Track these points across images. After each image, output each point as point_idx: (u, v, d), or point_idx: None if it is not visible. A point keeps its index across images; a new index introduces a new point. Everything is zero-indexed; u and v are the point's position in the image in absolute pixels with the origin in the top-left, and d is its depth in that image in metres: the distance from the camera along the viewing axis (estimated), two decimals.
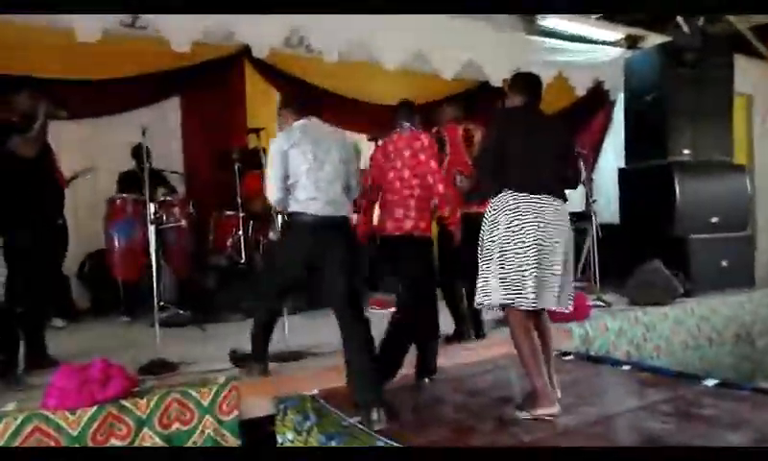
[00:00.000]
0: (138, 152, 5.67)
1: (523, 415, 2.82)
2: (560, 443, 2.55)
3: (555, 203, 2.88)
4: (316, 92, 7.91)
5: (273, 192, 3.20)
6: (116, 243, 5.03)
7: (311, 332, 4.46)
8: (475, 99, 9.14)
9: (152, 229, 3.46)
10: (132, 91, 6.41)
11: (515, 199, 2.82)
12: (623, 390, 3.37)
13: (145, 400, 2.88)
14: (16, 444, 2.59)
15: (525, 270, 2.77)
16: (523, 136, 2.91)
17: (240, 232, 5.61)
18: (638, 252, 5.90)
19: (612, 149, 8.73)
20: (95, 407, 2.76)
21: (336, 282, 3.08)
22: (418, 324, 3.43)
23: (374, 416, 2.80)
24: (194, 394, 3.00)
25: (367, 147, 6.05)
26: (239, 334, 4.59)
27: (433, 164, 3.52)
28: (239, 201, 5.61)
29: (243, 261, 5.59)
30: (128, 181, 5.40)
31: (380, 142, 3.68)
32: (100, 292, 5.59)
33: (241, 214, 5.64)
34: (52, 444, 2.66)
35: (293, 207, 3.18)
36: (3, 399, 2.91)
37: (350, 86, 8.22)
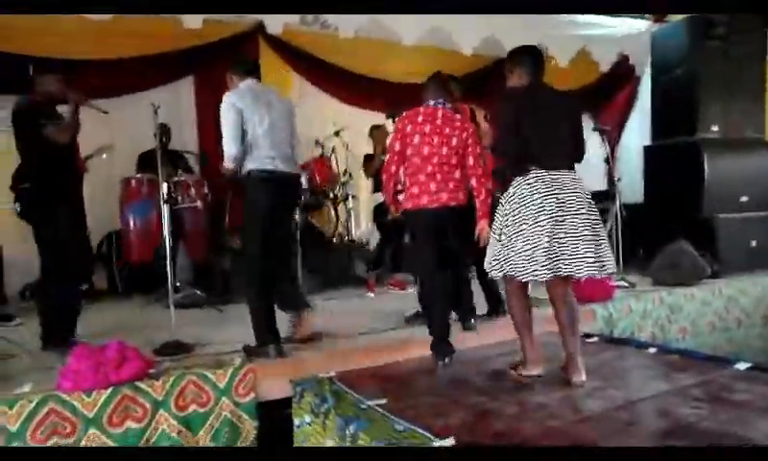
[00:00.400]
0: (156, 131, 5.65)
1: (513, 374, 3.13)
2: (586, 428, 2.45)
3: (570, 175, 2.94)
4: (331, 70, 7.80)
5: (230, 148, 3.30)
6: (132, 224, 5.00)
7: (327, 314, 4.40)
8: (493, 76, 9.06)
9: (165, 208, 3.40)
10: (147, 71, 6.35)
11: (534, 176, 2.88)
12: (650, 373, 3.25)
13: (161, 381, 2.85)
14: (32, 426, 2.57)
15: (537, 243, 2.81)
16: (536, 114, 2.93)
17: None
18: (664, 231, 5.74)
19: (637, 126, 8.50)
20: (111, 389, 2.72)
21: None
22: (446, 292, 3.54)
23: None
24: (210, 376, 2.96)
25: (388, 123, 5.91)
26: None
27: (466, 136, 3.54)
28: None
29: None
30: (147, 162, 5.36)
31: (405, 114, 3.61)
32: (117, 272, 5.58)
33: None
34: (68, 426, 2.63)
35: (251, 166, 3.30)
36: (18, 380, 2.89)
37: (366, 64, 8.08)
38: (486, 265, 3.06)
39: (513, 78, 3.08)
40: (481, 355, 3.58)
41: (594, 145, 8.85)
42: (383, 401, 2.76)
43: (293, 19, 7.04)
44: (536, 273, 2.82)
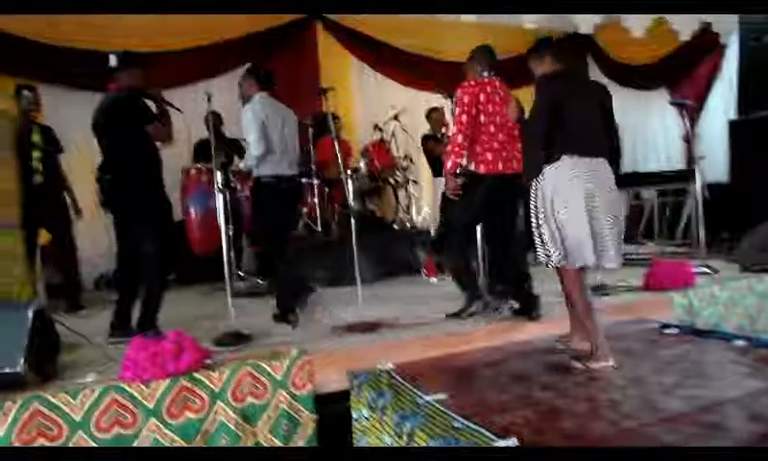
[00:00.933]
0: (209, 118, 5.69)
1: (581, 367, 2.94)
2: (665, 430, 2.22)
3: (604, 163, 2.97)
4: (390, 52, 7.66)
5: (258, 150, 3.78)
6: (193, 214, 5.06)
7: (385, 303, 4.30)
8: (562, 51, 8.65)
9: (219, 197, 3.38)
10: (205, 61, 6.42)
11: (573, 162, 2.89)
12: (738, 369, 2.95)
13: (218, 373, 2.82)
14: (96, 415, 2.60)
15: (584, 230, 2.86)
16: (574, 100, 2.96)
17: (315, 200, 5.51)
18: (752, 213, 5.27)
19: (720, 99, 7.88)
20: (169, 380, 2.72)
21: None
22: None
23: None
24: (266, 367, 2.92)
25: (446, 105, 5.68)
26: (315, 304, 4.56)
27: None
28: (313, 167, 5.50)
29: (318, 229, 5.50)
30: (203, 151, 5.41)
31: (473, 83, 3.69)
32: (180, 261, 5.67)
33: (315, 181, 5.54)
34: (129, 416, 2.65)
35: (265, 170, 3.68)
36: (82, 370, 2.94)
37: (426, 45, 7.89)
38: (541, 257, 3.04)
39: (543, 65, 3.10)
40: (545, 347, 3.37)
41: (671, 121, 8.39)
42: (442, 397, 2.63)
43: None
44: (588, 258, 2.88)
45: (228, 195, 5.11)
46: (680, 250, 6.21)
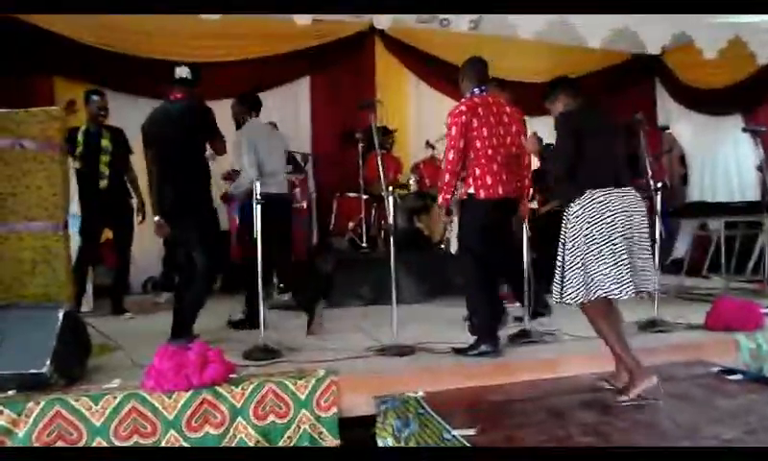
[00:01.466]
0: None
1: (626, 399, 2.83)
2: None
3: (632, 193, 2.98)
4: (448, 68, 7.53)
5: (252, 174, 3.87)
6: (236, 223, 5.07)
7: (425, 325, 4.14)
8: (625, 74, 8.28)
9: (258, 209, 3.33)
10: (263, 72, 6.48)
11: (602, 194, 2.88)
12: None
13: (240, 388, 2.75)
14: (115, 423, 2.57)
15: (618, 260, 2.83)
16: (593, 135, 2.98)
17: (362, 215, 5.43)
18: None
19: None
20: (191, 392, 2.66)
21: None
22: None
23: None
24: (290, 385, 2.81)
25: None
26: (352, 320, 4.46)
27: (516, 129, 3.64)
28: (361, 182, 5.42)
29: (364, 245, 5.40)
30: None
31: (464, 106, 3.53)
32: (227, 271, 5.70)
33: (363, 196, 5.45)
34: (148, 426, 2.60)
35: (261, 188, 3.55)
36: (109, 374, 2.93)
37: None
38: (570, 296, 2.92)
39: (558, 105, 3.15)
40: (590, 385, 3.12)
41: (745, 150, 7.87)
42: (471, 432, 2.46)
43: (409, 17, 6.88)
44: (622, 290, 2.82)
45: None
46: (749, 287, 5.76)
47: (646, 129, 4.32)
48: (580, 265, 2.88)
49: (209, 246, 3.71)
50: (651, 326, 3.96)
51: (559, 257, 2.99)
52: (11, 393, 2.59)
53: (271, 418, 2.77)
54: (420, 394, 2.91)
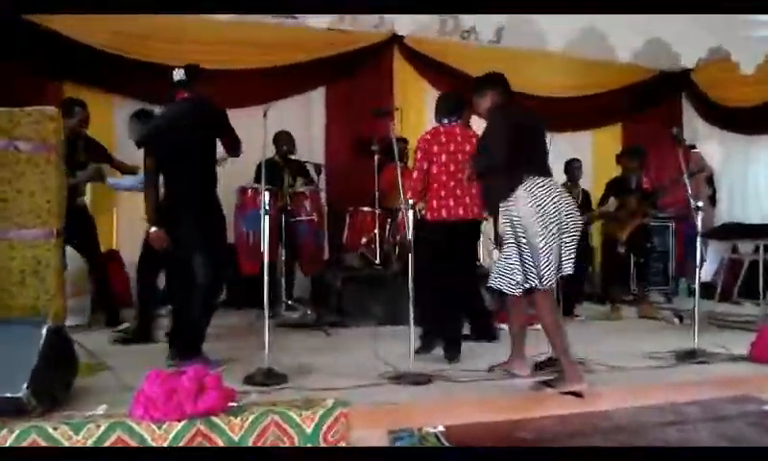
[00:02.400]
0: (278, 139, 5.51)
1: (551, 391, 2.97)
2: None
3: (555, 182, 3.17)
4: (469, 82, 7.28)
5: None
6: (244, 235, 4.82)
7: (441, 350, 3.83)
8: (652, 91, 7.98)
9: (266, 220, 3.06)
10: (277, 81, 6.26)
11: (539, 186, 3.02)
12: None
13: (239, 419, 2.46)
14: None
15: (552, 248, 2.98)
16: (524, 127, 3.14)
17: (376, 231, 5.16)
18: None
19: None
20: (184, 422, 2.39)
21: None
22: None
23: None
24: (295, 417, 2.53)
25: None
26: (364, 341, 4.16)
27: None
28: (376, 195, 5.16)
29: (377, 262, 5.13)
30: (266, 171, 5.20)
31: (429, 135, 3.85)
32: (234, 284, 5.45)
33: (378, 210, 5.19)
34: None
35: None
36: (97, 397, 2.66)
37: (508, 76, 7.47)
38: (508, 286, 3.08)
39: (486, 100, 3.29)
40: (629, 423, 2.80)
41: None
42: None
43: (430, 27, 6.66)
44: (552, 277, 2.99)
45: (283, 219, 4.90)
46: None
47: (684, 143, 4.03)
48: (530, 255, 3.01)
49: (212, 255, 3.41)
50: (690, 356, 3.62)
51: (504, 251, 3.13)
52: None
53: None
54: (440, 429, 2.61)
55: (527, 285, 3.03)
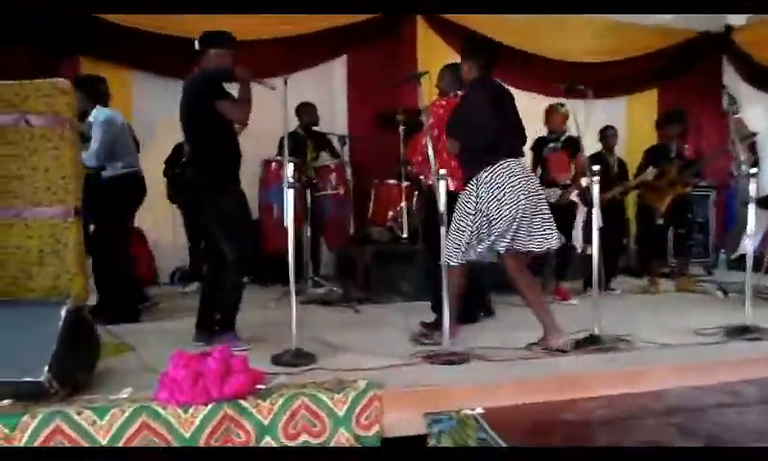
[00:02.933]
0: (300, 110, 5.33)
1: (537, 349, 3.10)
2: None
3: (524, 161, 3.31)
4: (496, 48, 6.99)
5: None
6: (269, 210, 4.68)
7: (481, 328, 3.67)
8: (690, 54, 7.60)
9: (289, 193, 2.90)
10: (296, 51, 6.06)
11: (507, 162, 3.09)
12: None
13: (268, 402, 2.34)
14: (123, 440, 2.19)
15: (516, 219, 3.05)
16: (500, 105, 3.18)
17: (403, 204, 4.98)
18: None
19: None
20: (210, 406, 2.27)
21: None
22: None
23: None
24: (326, 400, 2.39)
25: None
26: (394, 317, 4.03)
27: None
28: (402, 168, 4.97)
29: (404, 236, 4.96)
30: (289, 144, 5.02)
31: (444, 102, 3.73)
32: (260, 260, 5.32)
33: (404, 183, 5.01)
34: (162, 445, 2.22)
35: None
36: (122, 379, 2.56)
37: (534, 42, 7.17)
38: (501, 246, 3.09)
39: (465, 69, 3.28)
40: (686, 404, 2.62)
41: None
42: None
43: None
44: (526, 244, 3.12)
45: (308, 193, 4.75)
46: None
47: (736, 109, 3.76)
48: (470, 226, 3.10)
49: (238, 234, 3.27)
50: (742, 332, 3.40)
51: (466, 220, 3.12)
52: (5, 403, 2.24)
53: (303, 437, 2.35)
54: (479, 411, 2.45)
55: (471, 254, 3.14)
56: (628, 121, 7.46)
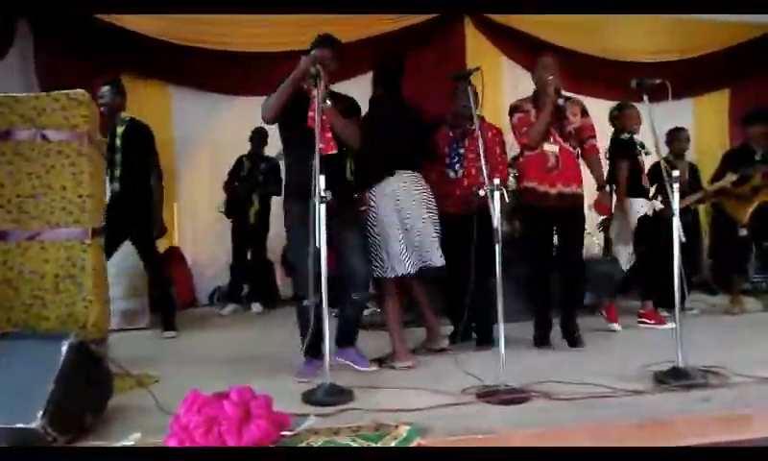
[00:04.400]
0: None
1: (384, 367, 3.19)
2: None
3: (415, 175, 3.36)
4: (548, 51, 6.57)
5: None
6: None
7: (541, 358, 3.25)
8: (757, 53, 6.93)
9: (320, 208, 2.58)
10: (344, 59, 5.79)
11: (396, 178, 3.25)
12: None
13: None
14: None
15: (408, 241, 3.25)
16: (396, 126, 3.36)
17: None
18: None
19: None
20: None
21: None
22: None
23: None
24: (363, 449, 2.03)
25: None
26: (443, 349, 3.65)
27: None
28: None
29: None
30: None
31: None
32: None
33: None
34: None
35: None
36: (132, 422, 2.27)
37: (588, 41, 6.69)
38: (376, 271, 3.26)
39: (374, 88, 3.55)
40: None
41: None
42: None
43: None
44: (408, 267, 3.25)
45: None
46: None
47: None
48: (382, 243, 3.23)
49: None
50: None
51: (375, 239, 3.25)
52: None
53: None
54: None
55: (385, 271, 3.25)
56: (695, 124, 6.87)
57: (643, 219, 4.31)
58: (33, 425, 1.90)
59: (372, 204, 3.23)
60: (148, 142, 4.34)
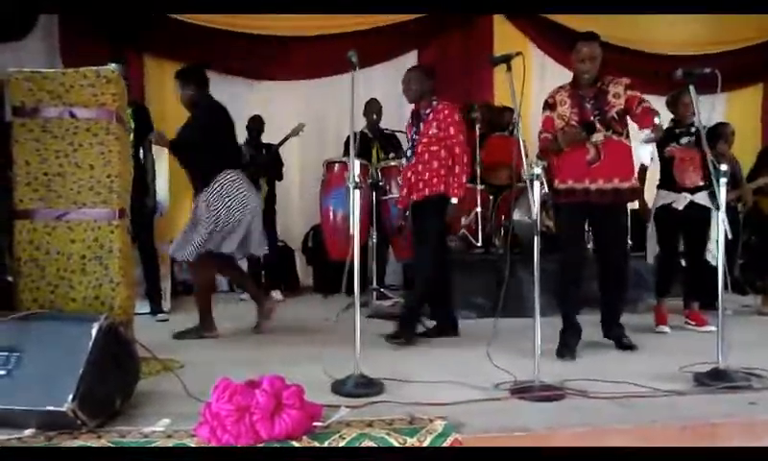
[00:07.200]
0: (368, 107, 4.99)
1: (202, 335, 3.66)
2: None
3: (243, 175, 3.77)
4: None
5: None
6: (331, 215, 4.33)
7: (587, 360, 3.16)
8: None
9: (355, 194, 2.50)
10: (364, 46, 5.69)
11: (235, 173, 3.66)
12: None
13: (326, 444, 1.94)
14: None
15: (237, 227, 3.63)
16: (224, 126, 3.76)
17: (478, 209, 4.52)
18: None
19: None
20: (258, 447, 1.89)
21: None
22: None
23: None
24: (397, 445, 1.96)
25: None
26: (469, 337, 3.59)
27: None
28: (478, 170, 4.51)
29: (479, 245, 4.50)
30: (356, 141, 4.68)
31: None
32: (321, 268, 5.01)
33: (479, 187, 4.55)
34: None
35: None
36: (159, 408, 2.23)
37: (621, 32, 6.53)
38: (186, 253, 3.61)
39: (187, 92, 3.73)
40: None
41: None
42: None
43: None
44: (245, 250, 3.76)
45: (373, 196, 4.37)
46: None
47: None
48: (216, 229, 3.55)
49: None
50: None
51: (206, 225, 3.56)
52: (27, 432, 1.94)
53: None
54: None
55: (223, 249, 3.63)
56: (728, 119, 6.70)
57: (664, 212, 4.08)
58: (63, 408, 1.85)
59: (216, 197, 3.60)
60: (150, 123, 4.37)
